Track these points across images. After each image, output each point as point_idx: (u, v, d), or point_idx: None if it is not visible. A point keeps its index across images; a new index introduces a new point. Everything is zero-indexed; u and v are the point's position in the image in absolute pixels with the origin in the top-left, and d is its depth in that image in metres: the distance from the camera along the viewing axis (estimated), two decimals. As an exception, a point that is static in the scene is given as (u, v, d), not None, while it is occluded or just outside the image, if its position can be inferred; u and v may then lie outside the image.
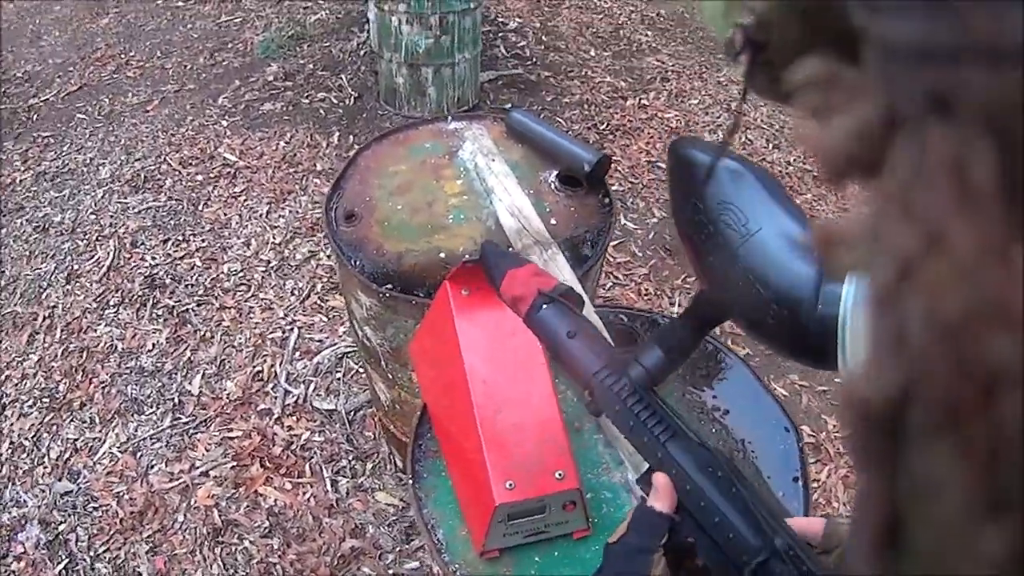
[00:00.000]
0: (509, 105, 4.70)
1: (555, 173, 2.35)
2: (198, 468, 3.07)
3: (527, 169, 2.37)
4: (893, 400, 0.34)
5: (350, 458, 3.13)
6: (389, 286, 2.07)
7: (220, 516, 2.92)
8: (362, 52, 5.27)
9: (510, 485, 1.40)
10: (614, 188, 4.34)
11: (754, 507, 0.89)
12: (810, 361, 0.95)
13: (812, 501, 3.07)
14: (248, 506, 2.95)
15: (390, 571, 2.78)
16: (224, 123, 4.83)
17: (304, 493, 3.00)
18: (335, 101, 4.96)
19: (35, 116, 5.18)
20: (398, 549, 2.84)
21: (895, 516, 0.35)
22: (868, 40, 0.34)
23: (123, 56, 5.69)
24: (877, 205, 0.34)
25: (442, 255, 2.11)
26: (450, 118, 2.58)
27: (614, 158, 4.55)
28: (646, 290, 3.81)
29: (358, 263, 2.14)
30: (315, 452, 3.13)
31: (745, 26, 0.46)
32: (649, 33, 5.95)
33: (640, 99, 5.15)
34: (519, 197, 2.17)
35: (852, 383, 0.36)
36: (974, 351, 0.31)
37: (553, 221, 2.19)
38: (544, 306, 1.16)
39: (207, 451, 3.12)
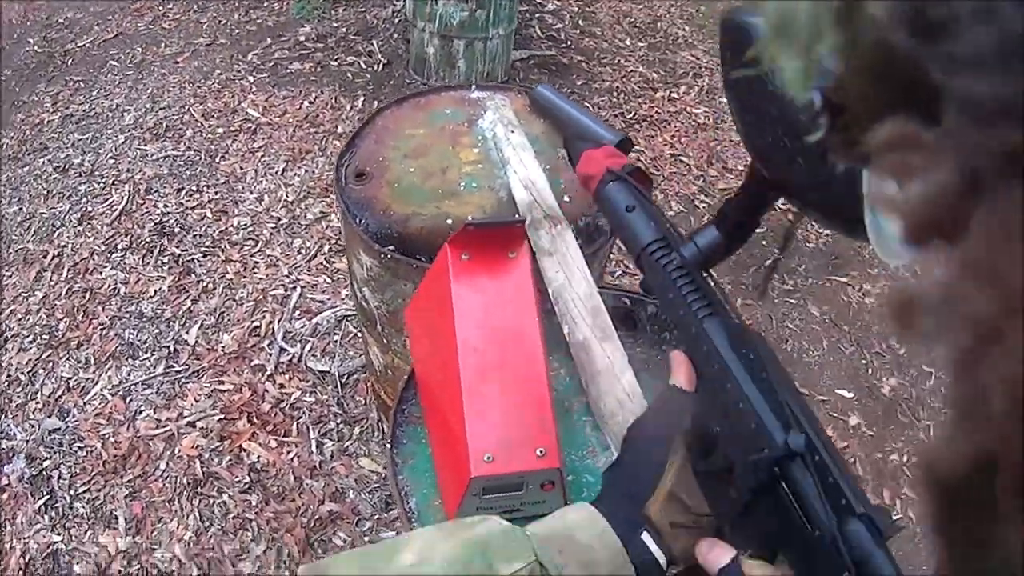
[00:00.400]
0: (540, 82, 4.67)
1: (574, 150, 2.29)
2: (185, 418, 3.07)
3: (546, 144, 2.32)
4: (971, 468, 0.33)
5: (338, 421, 3.12)
6: (392, 247, 2.04)
7: (202, 467, 2.92)
8: (396, 20, 5.24)
9: (488, 458, 1.36)
10: (635, 178, 4.31)
11: (782, 397, 0.84)
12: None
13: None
14: (231, 460, 2.95)
15: (365, 538, 2.77)
16: (251, 79, 4.82)
17: (288, 452, 2.99)
18: (364, 66, 4.93)
19: (70, 61, 5.20)
20: (376, 517, 2.83)
21: None
22: (946, 99, 0.34)
23: (160, 7, 5.68)
24: (957, 268, 0.34)
25: (449, 221, 2.07)
26: (474, 86, 2.53)
27: (637, 148, 4.52)
28: (655, 281, 3.75)
29: (363, 221, 2.10)
30: (304, 412, 3.13)
31: (824, 88, 0.46)
32: (687, 28, 5.89)
33: (670, 92, 5.11)
34: (535, 170, 2.13)
35: (929, 452, 0.35)
36: None
37: (567, 198, 2.15)
38: (610, 182, 1.15)
39: (196, 401, 3.11)
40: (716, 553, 0.89)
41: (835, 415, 3.47)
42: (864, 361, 3.73)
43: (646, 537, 0.97)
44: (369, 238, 2.06)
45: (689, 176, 4.50)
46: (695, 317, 0.96)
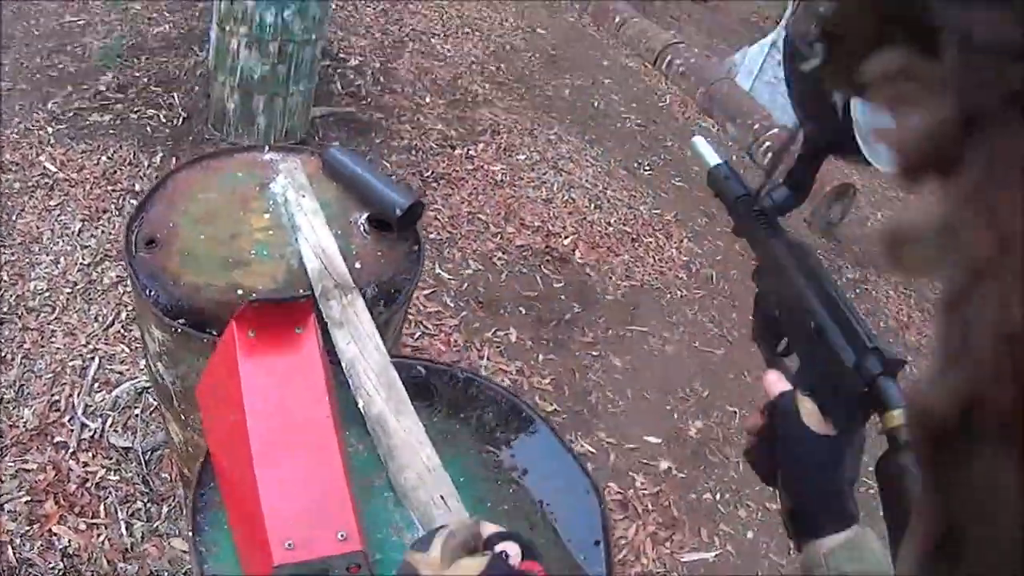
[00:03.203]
0: (336, 143, 4.63)
1: (366, 215, 2.28)
2: (-6, 500, 2.89)
3: (338, 209, 2.29)
4: (958, 406, 0.33)
5: (145, 500, 2.99)
6: (182, 320, 1.97)
7: (15, 554, 2.74)
8: (198, 72, 5.11)
9: (289, 545, 1.32)
10: (432, 236, 4.35)
11: (848, 312, 1.07)
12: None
13: (620, 558, 3.11)
14: (42, 545, 2.78)
15: (184, 625, 2.66)
16: (50, 130, 4.58)
17: (99, 535, 2.85)
18: (163, 120, 4.78)
19: None
20: (195, 601, 2.73)
21: (951, 527, 0.35)
22: (948, 35, 0.34)
23: (-43, 48, 5.39)
24: (951, 204, 0.34)
25: (239, 292, 2.02)
26: (267, 148, 2.48)
27: (435, 207, 4.54)
28: (455, 341, 3.79)
29: (153, 293, 2.03)
30: (110, 491, 2.98)
31: (822, 18, 0.48)
32: (487, 85, 5.96)
33: (468, 149, 5.14)
34: (325, 237, 2.10)
35: (915, 393, 0.36)
36: None
37: (358, 264, 2.12)
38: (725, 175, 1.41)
39: (2, 482, 2.93)
40: (773, 385, 1.09)
41: (645, 462, 3.53)
42: (668, 407, 3.82)
43: None
44: (160, 311, 1.98)
45: (487, 234, 4.54)
46: (767, 236, 1.23)
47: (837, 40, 0.46)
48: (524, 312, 4.11)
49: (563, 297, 4.23)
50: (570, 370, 3.85)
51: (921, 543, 0.37)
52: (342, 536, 1.35)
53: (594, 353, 3.97)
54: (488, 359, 3.74)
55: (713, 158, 1.43)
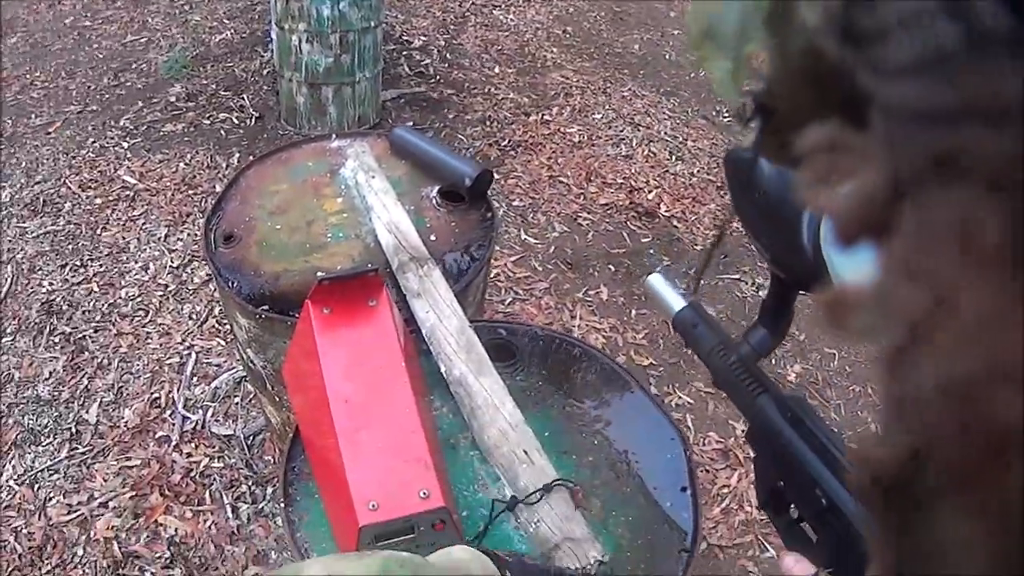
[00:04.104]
0: (410, 123, 4.69)
1: (437, 188, 2.34)
2: (96, 499, 2.99)
3: (408, 185, 2.35)
4: (904, 463, 0.34)
5: (250, 483, 3.07)
6: (266, 307, 2.05)
7: (120, 548, 2.84)
8: (264, 72, 5.22)
9: (373, 506, 1.38)
10: (515, 204, 4.38)
11: (824, 443, 1.00)
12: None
13: (724, 507, 3.11)
14: (148, 536, 2.88)
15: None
16: (125, 145, 4.75)
17: (205, 521, 2.93)
18: (236, 122, 4.90)
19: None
20: (301, 575, 2.79)
21: None
22: (874, 105, 0.35)
23: (28, 76, 5.56)
24: (885, 269, 0.34)
25: (319, 274, 2.06)
26: (334, 136, 2.55)
27: (515, 174, 4.57)
28: (547, 304, 3.81)
29: (235, 284, 2.11)
30: (215, 478, 3.07)
31: (755, 93, 0.47)
32: (554, 50, 5.96)
33: (543, 115, 5.15)
34: (397, 213, 2.16)
35: (862, 446, 0.36)
36: (984, 413, 0.31)
37: (433, 237, 2.18)
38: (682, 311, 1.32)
39: (105, 481, 3.04)
40: (801, 567, 0.99)
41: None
42: (765, 352, 3.79)
43: None
44: (243, 300, 2.06)
45: (569, 196, 4.54)
46: (752, 397, 1.13)
47: (770, 114, 0.47)
48: (613, 270, 4.11)
49: (652, 251, 4.21)
50: (663, 323, 3.83)
51: None
52: (424, 494, 1.41)
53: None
54: (580, 319, 3.76)
55: (677, 302, 1.33)
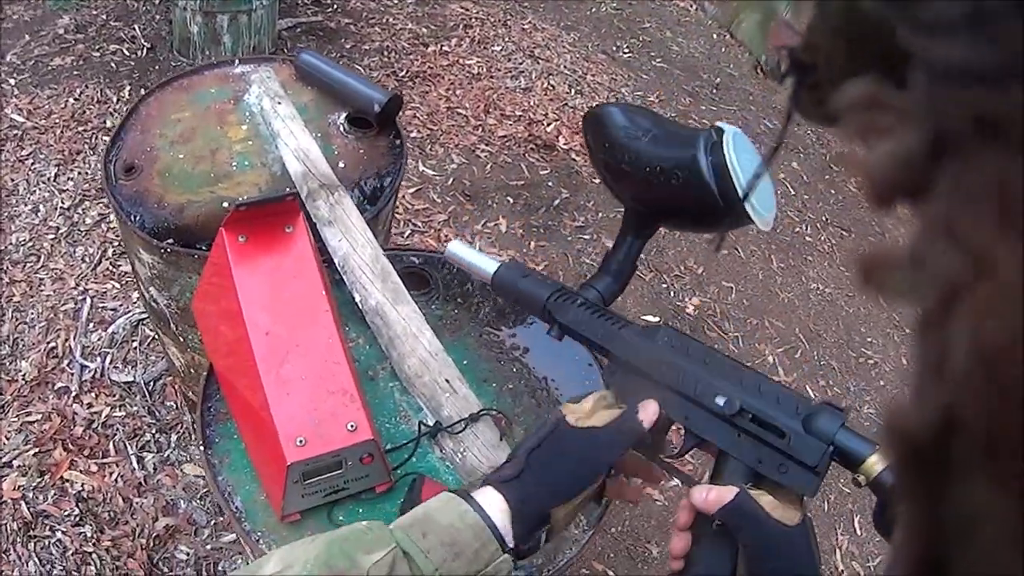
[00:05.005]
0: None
1: (345, 115, 2.27)
2: (0, 458, 2.90)
3: (316, 112, 2.28)
4: (936, 429, 0.33)
5: (154, 431, 3.00)
6: (171, 240, 1.97)
7: (28, 508, 2.75)
8: (157, 1, 5.04)
9: (300, 442, 1.34)
10: (413, 135, 4.32)
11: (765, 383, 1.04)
12: (724, 217, 1.17)
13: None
14: (56, 494, 2.80)
15: (207, 546, 2.69)
16: (12, 81, 4.52)
17: (111, 474, 2.86)
18: (127, 53, 4.72)
19: None
20: (212, 523, 2.75)
21: (937, 547, 0.35)
22: (915, 63, 0.34)
23: (-92, 6, 5.29)
24: (922, 230, 0.34)
25: (225, 204, 2.01)
26: (237, 61, 2.45)
27: (413, 105, 4.51)
28: (446, 236, 3.79)
29: (138, 218, 2.02)
30: (117, 428, 3.00)
31: (792, 48, 0.47)
32: (454, -20, 5.89)
33: (441, 46, 5.08)
34: (305, 140, 2.09)
35: (895, 416, 0.36)
36: (1020, 378, 0.30)
37: (341, 164, 2.12)
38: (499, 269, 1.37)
39: (7, 439, 2.93)
40: (716, 493, 1.00)
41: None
42: (664, 285, 3.83)
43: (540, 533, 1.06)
44: (147, 234, 1.98)
45: (468, 127, 4.51)
46: (615, 329, 1.17)
47: (808, 71, 0.46)
48: (512, 201, 4.11)
49: (550, 184, 4.21)
50: (563, 255, 3.86)
51: (904, 566, 0.37)
52: (351, 427, 1.37)
53: (586, 237, 3.97)
54: (480, 250, 3.73)
55: (489, 264, 1.36)
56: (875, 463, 0.93)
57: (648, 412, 1.07)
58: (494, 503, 1.03)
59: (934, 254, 0.33)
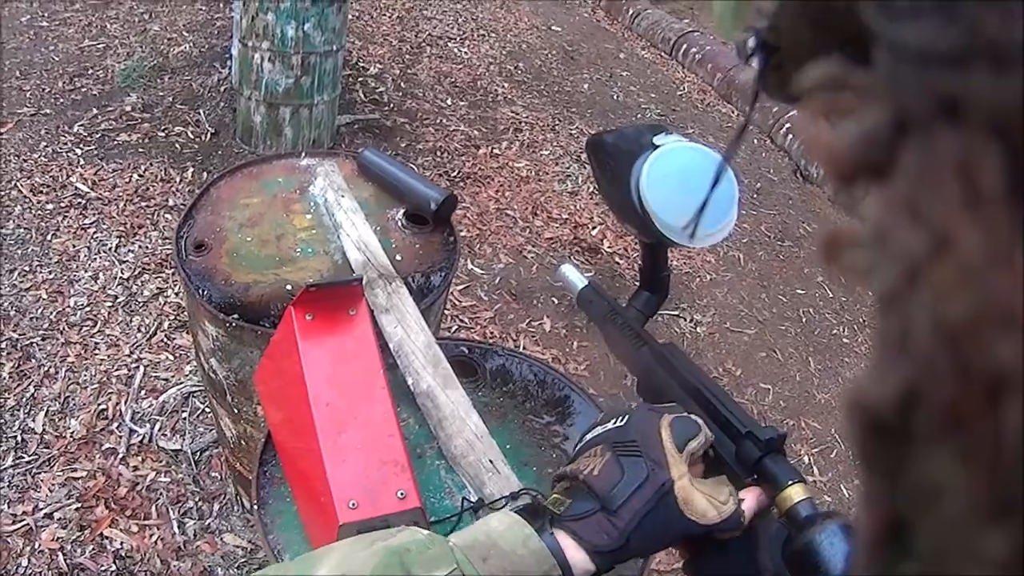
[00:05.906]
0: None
1: (402, 211, 2.40)
2: (42, 509, 2.97)
3: (375, 206, 2.42)
4: (897, 403, 0.34)
5: (197, 499, 3.09)
6: (236, 315, 2.10)
7: (65, 560, 2.83)
8: (222, 88, 5.22)
9: (353, 504, 1.43)
10: (463, 234, 4.43)
11: (718, 401, 1.13)
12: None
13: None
14: (94, 549, 2.87)
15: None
16: (78, 151, 4.70)
17: (151, 535, 2.94)
18: (191, 136, 4.90)
19: None
20: (247, 593, 2.81)
21: (897, 519, 0.35)
22: (879, 43, 0.35)
23: (-21, 74, 5.50)
24: (884, 208, 0.34)
25: (288, 287, 2.15)
26: (303, 154, 2.61)
27: (463, 205, 4.63)
28: (491, 333, 3.89)
29: (205, 292, 2.15)
30: (161, 493, 3.08)
31: (757, 29, 0.48)
32: (506, 85, 6.07)
33: (492, 148, 5.25)
34: (366, 232, 2.22)
35: (855, 390, 0.36)
36: (979, 355, 0.31)
37: (398, 257, 2.25)
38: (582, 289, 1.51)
39: (51, 491, 3.03)
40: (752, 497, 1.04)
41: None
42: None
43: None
44: (213, 308, 2.11)
45: (516, 228, 4.63)
46: (635, 349, 1.29)
47: (773, 51, 0.47)
48: (557, 302, 4.20)
49: (594, 286, 4.30)
50: (604, 355, 3.90)
51: (868, 537, 0.37)
52: (401, 495, 1.46)
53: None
54: (524, 348, 3.83)
55: (580, 281, 1.52)
56: (793, 493, 0.98)
57: (750, 502, 1.03)
58: (569, 545, 0.99)
59: (895, 232, 0.33)
